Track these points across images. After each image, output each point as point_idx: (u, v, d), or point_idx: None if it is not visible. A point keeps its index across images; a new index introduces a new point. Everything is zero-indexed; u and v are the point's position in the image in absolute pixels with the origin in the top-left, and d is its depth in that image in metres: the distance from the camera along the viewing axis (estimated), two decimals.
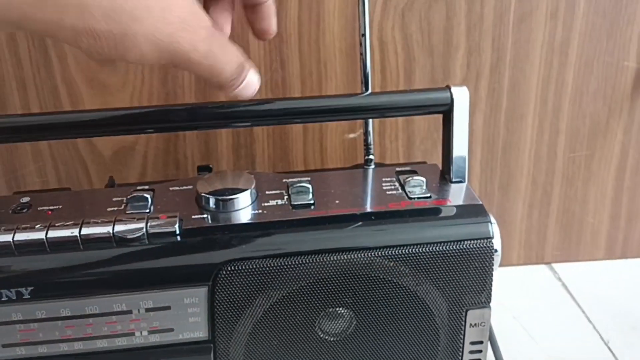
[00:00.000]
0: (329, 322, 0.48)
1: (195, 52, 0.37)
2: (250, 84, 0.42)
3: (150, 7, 0.35)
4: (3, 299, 0.43)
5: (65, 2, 0.33)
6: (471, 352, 0.49)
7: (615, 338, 0.64)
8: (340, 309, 0.48)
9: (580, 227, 0.75)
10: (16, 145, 0.64)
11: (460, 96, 0.49)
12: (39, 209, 0.49)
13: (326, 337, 0.48)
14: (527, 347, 0.63)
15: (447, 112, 0.50)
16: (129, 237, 0.44)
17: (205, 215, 0.47)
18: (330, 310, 0.47)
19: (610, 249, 0.77)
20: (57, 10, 0.33)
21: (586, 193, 0.73)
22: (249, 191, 0.48)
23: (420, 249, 0.45)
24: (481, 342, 0.49)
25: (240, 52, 0.40)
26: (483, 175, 0.71)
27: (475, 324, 0.48)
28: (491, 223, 0.47)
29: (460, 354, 0.49)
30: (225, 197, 0.48)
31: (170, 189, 0.51)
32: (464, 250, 0.46)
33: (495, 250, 0.47)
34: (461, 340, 0.49)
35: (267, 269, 0.44)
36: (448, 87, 0.50)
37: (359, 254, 0.45)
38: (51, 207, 0.48)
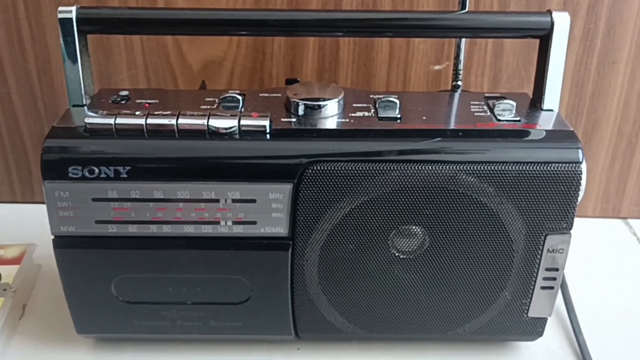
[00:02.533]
0: (402, 240, 0.49)
1: None
2: None
3: None
4: (102, 176, 0.45)
5: None
6: (545, 278, 0.49)
7: None
8: (415, 227, 0.48)
9: None
10: (112, 52, 0.67)
11: (561, 21, 0.48)
12: (137, 101, 0.51)
13: (398, 255, 0.49)
14: (597, 297, 0.62)
15: (545, 37, 0.49)
16: (221, 131, 0.46)
17: (294, 120, 0.48)
18: (405, 227, 0.48)
19: None
20: None
21: None
22: (337, 100, 0.49)
23: (505, 167, 0.45)
24: (557, 270, 0.49)
25: None
26: (568, 120, 0.69)
27: (553, 250, 0.48)
28: (581, 149, 0.46)
29: (534, 279, 0.49)
30: (314, 103, 0.49)
31: (260, 95, 0.52)
32: (551, 173, 0.45)
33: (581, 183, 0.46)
34: (536, 266, 0.48)
35: (351, 172, 0.45)
36: (549, 12, 0.48)
37: (443, 167, 0.45)
38: (149, 101, 0.51)
